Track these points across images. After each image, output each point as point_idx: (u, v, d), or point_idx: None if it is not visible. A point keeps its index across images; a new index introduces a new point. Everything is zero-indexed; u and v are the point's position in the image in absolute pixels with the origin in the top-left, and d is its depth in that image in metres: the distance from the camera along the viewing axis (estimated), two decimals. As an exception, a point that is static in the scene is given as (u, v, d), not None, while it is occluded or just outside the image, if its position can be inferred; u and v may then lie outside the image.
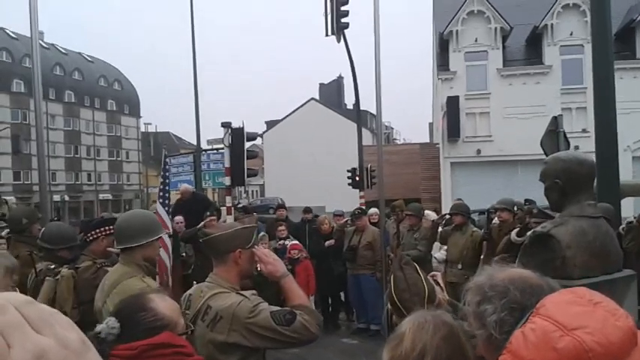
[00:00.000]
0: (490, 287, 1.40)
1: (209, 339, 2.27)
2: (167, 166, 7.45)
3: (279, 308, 2.29)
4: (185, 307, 2.43)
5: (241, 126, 8.61)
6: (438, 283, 2.38)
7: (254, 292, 2.38)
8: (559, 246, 2.72)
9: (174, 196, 16.05)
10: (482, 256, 6.54)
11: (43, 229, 4.33)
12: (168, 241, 6.30)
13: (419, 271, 2.20)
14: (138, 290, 2.73)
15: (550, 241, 2.75)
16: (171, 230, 6.26)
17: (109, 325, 1.61)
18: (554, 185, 2.88)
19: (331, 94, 56.47)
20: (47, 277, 3.63)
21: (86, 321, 3.36)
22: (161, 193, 6.88)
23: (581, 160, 2.90)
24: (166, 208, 6.73)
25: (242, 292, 2.36)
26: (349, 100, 56.94)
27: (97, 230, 3.76)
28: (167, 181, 6.97)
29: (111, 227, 3.65)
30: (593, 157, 4.48)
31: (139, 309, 1.65)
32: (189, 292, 2.54)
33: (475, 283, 1.45)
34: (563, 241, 2.72)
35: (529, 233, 3.61)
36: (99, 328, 1.62)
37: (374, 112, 7.63)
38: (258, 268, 2.55)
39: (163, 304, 1.68)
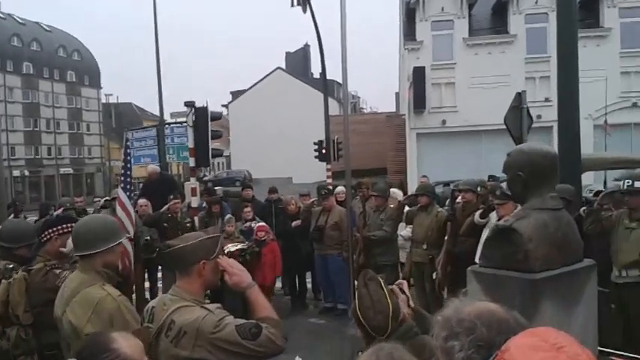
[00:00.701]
0: (457, 322, 1.39)
1: (172, 354, 2.23)
2: (128, 150, 7.27)
3: (244, 321, 2.25)
4: (148, 320, 2.38)
5: (205, 105, 8.44)
6: (403, 292, 2.37)
7: (219, 305, 2.34)
8: (521, 240, 2.74)
9: (139, 171, 15.70)
10: (446, 237, 6.62)
11: (0, 227, 4.21)
12: (130, 227, 6.18)
13: (383, 286, 2.18)
14: (98, 299, 2.67)
15: (513, 235, 2.77)
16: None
17: None
18: (516, 177, 2.90)
19: (298, 63, 55.59)
20: (3, 279, 3.55)
21: (43, 323, 3.31)
22: (122, 178, 6.73)
23: (544, 153, 2.91)
24: (128, 193, 6.58)
25: (206, 305, 2.32)
26: (316, 70, 56.04)
27: (50, 230, 3.66)
28: (129, 165, 6.80)
29: (65, 226, 3.57)
30: (555, 148, 4.52)
31: (102, 350, 1.60)
32: (151, 303, 2.49)
33: (443, 316, 1.44)
34: (525, 234, 2.74)
35: (492, 227, 3.65)
36: None
37: (341, 81, 7.50)
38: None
39: (126, 344, 1.64)
